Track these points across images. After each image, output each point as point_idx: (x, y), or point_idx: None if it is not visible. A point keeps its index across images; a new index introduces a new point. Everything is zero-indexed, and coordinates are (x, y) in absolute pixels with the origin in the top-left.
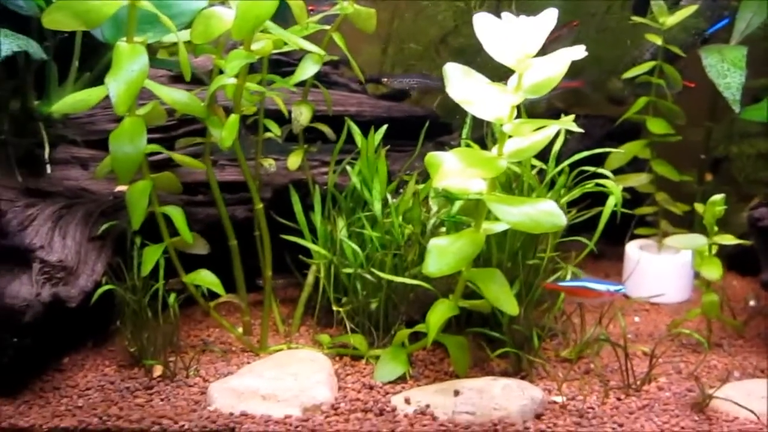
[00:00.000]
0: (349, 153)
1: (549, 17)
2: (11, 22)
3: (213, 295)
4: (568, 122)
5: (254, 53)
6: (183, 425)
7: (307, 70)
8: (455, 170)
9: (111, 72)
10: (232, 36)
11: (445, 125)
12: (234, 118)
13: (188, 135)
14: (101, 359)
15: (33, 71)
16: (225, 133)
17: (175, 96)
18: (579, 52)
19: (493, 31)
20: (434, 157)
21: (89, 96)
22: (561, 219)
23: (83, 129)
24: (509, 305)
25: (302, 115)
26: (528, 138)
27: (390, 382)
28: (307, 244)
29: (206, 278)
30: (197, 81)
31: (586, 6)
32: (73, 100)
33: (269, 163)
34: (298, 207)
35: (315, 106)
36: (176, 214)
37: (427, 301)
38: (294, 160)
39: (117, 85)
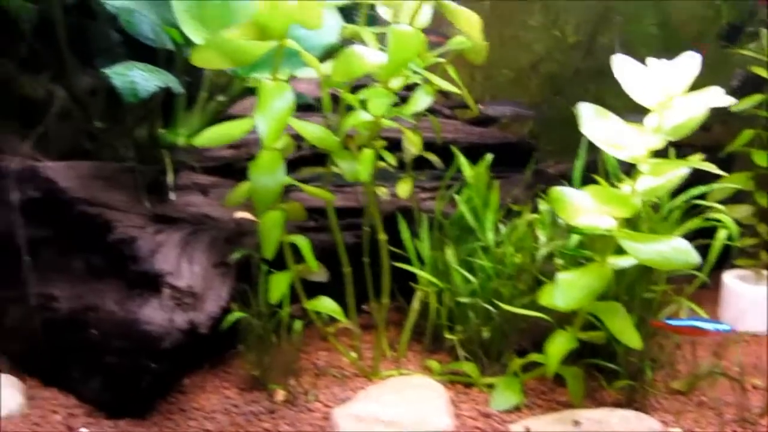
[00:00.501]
0: (446, 179)
1: (692, 61)
2: (139, 53)
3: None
4: (707, 164)
5: (393, 90)
6: None
7: (422, 101)
8: (588, 208)
9: (259, 108)
10: (379, 76)
11: (535, 152)
12: (370, 153)
13: (299, 162)
14: (219, 381)
15: (160, 99)
16: (362, 167)
17: (311, 130)
18: (723, 98)
19: (634, 73)
20: (560, 193)
21: (231, 130)
22: (693, 257)
23: (199, 155)
24: (632, 338)
25: (413, 145)
26: (662, 176)
27: (505, 411)
28: (416, 270)
29: (328, 305)
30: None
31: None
32: (215, 134)
33: (382, 192)
34: (406, 234)
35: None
36: (303, 243)
37: (537, 330)
38: (404, 188)
39: (265, 121)
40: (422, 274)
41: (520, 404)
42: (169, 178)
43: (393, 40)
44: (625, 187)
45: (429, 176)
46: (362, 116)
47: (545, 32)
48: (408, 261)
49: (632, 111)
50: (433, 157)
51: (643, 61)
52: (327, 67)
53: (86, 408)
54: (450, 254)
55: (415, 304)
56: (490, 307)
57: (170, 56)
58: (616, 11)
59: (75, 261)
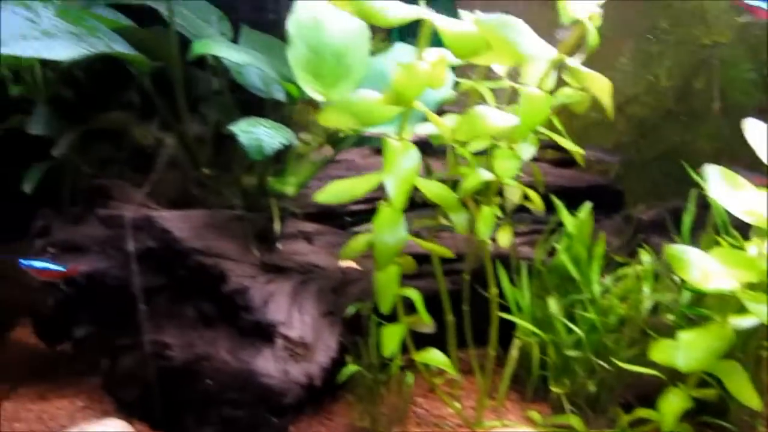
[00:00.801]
0: (548, 227)
1: None
2: (243, 100)
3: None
4: None
5: (518, 153)
6: None
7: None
8: (715, 272)
9: (386, 168)
10: (509, 140)
11: (621, 196)
12: (490, 212)
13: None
14: (325, 429)
15: None
16: (482, 226)
17: (431, 187)
18: None
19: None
20: (681, 253)
21: (356, 187)
22: None
23: (300, 202)
24: (752, 398)
25: (515, 193)
26: None
27: None
28: (517, 320)
29: (437, 358)
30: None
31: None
32: (339, 190)
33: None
34: (505, 282)
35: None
36: (414, 295)
37: (642, 383)
38: (504, 237)
39: (393, 181)
40: (524, 323)
41: None
42: (277, 226)
43: (524, 104)
44: (751, 248)
45: (522, 219)
46: (484, 175)
47: (635, 75)
48: (505, 308)
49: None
50: (534, 205)
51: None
52: (449, 123)
53: None
54: (553, 304)
55: (514, 353)
56: (599, 360)
57: (276, 105)
58: (712, 56)
59: (187, 309)
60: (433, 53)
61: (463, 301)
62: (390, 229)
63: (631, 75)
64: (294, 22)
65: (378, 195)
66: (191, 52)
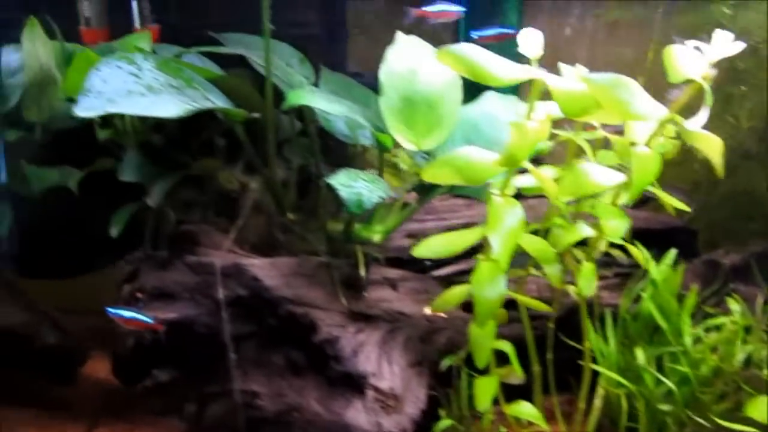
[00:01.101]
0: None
1: None
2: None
3: None
4: None
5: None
6: None
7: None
8: None
9: (490, 225)
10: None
11: (695, 237)
12: (591, 267)
13: (471, 252)
14: None
15: None
16: (584, 282)
17: (532, 242)
18: None
19: None
20: None
21: (456, 241)
22: None
23: (380, 247)
24: None
25: (600, 241)
26: None
27: None
28: (603, 370)
29: (528, 411)
30: None
31: None
32: (437, 245)
33: (573, 291)
34: (589, 329)
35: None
36: (509, 348)
37: None
38: (588, 284)
39: (499, 239)
40: (611, 374)
41: None
42: (362, 273)
43: (636, 163)
44: None
45: (604, 263)
46: (584, 232)
47: (715, 116)
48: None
49: None
50: (619, 253)
51: None
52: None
53: None
54: (640, 355)
55: (597, 402)
56: (692, 415)
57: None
58: None
59: (275, 357)
60: (540, 110)
61: (546, 350)
62: (491, 284)
63: (712, 116)
64: (386, 71)
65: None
66: (286, 103)
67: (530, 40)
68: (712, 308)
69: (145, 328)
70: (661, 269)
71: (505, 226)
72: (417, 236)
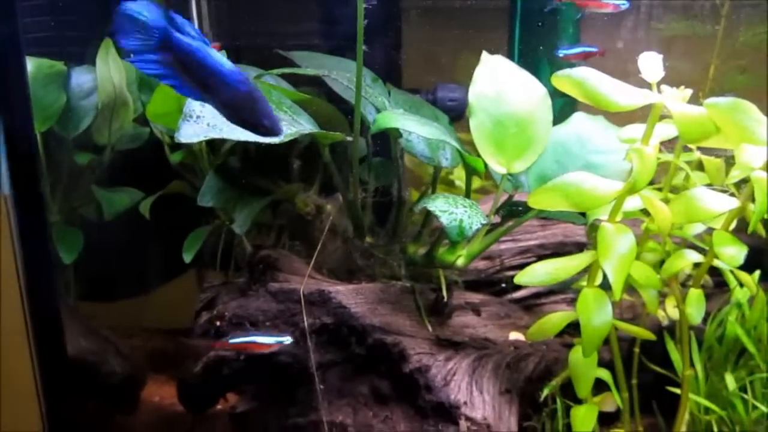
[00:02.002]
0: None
1: None
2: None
3: None
4: None
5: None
6: None
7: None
8: None
9: (602, 252)
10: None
11: None
12: (699, 294)
13: None
14: None
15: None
16: (692, 310)
17: (641, 271)
18: None
19: None
20: None
21: (562, 268)
22: None
23: (459, 270)
24: None
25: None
26: None
27: None
28: (695, 397)
29: None
30: None
31: None
32: (543, 272)
33: (662, 316)
34: (674, 354)
35: None
36: (607, 376)
37: None
38: (697, 311)
39: (612, 266)
40: (700, 400)
41: None
42: (446, 298)
43: (758, 189)
44: None
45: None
46: (691, 257)
47: None
48: (672, 381)
49: None
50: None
51: None
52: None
53: None
54: (730, 380)
55: (683, 428)
56: None
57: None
58: None
59: (360, 386)
60: (655, 137)
61: (632, 375)
62: (598, 312)
63: None
64: (475, 93)
65: (531, 260)
66: (375, 125)
67: (650, 64)
68: None
69: (268, 349)
70: (745, 290)
71: (618, 253)
72: (492, 258)
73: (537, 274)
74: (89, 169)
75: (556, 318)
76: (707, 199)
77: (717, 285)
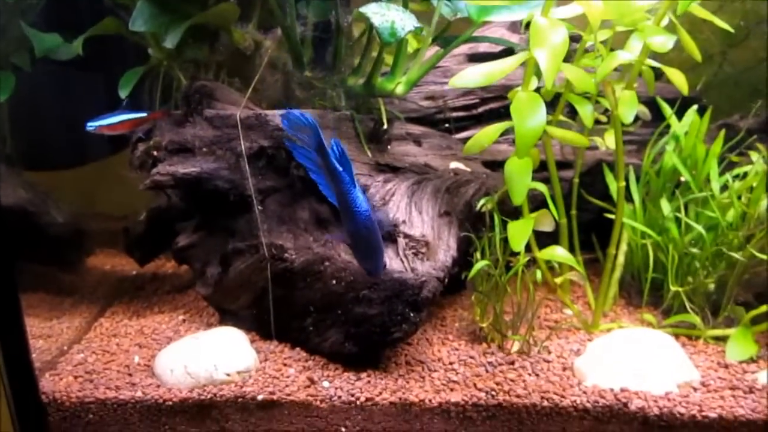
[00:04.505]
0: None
1: None
2: None
3: None
4: None
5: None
6: (574, 400)
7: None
8: None
9: (534, 42)
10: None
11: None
12: (632, 95)
13: (490, 113)
14: (441, 334)
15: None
16: (623, 109)
17: (573, 71)
18: None
19: None
20: None
21: (493, 70)
22: None
23: (400, 105)
24: None
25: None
26: None
27: (743, 362)
28: (634, 223)
29: (562, 255)
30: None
31: None
32: (475, 74)
33: (600, 142)
34: (613, 185)
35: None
36: (543, 188)
37: (758, 281)
38: (628, 111)
39: (545, 56)
40: (638, 225)
41: (755, 355)
42: (386, 127)
43: None
44: None
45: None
46: (623, 57)
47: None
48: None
49: None
50: (641, 108)
51: None
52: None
53: (317, 360)
54: (665, 205)
55: (621, 258)
56: (722, 256)
57: None
58: None
59: (300, 210)
60: None
61: (571, 206)
62: (532, 115)
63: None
64: None
65: (475, 101)
66: None
67: None
68: (736, 157)
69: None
70: (685, 123)
71: (550, 44)
72: (436, 98)
73: (471, 76)
74: (20, 12)
75: (491, 129)
76: None
77: None
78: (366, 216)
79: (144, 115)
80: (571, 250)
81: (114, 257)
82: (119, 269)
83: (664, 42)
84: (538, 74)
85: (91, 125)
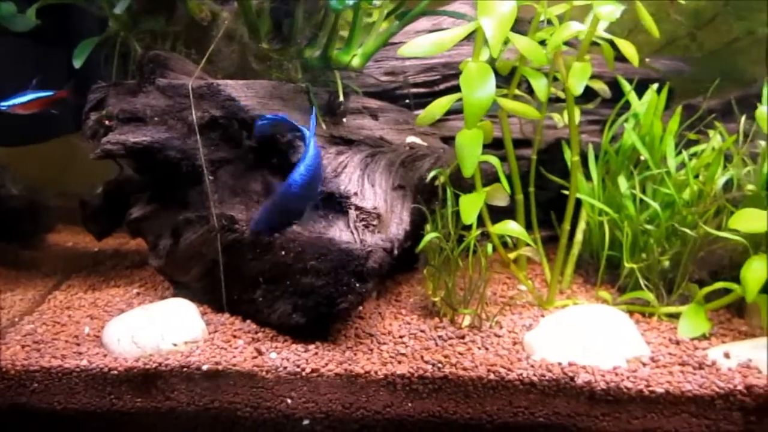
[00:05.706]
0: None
1: None
2: None
3: None
4: None
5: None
6: (521, 373)
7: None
8: None
9: (481, 11)
10: None
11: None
12: (585, 66)
13: (451, 90)
14: (394, 308)
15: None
16: (573, 80)
17: (521, 42)
18: None
19: None
20: None
21: (442, 40)
22: None
23: (359, 80)
24: None
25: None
26: None
27: (695, 338)
28: (588, 198)
29: (515, 229)
30: None
31: None
32: (425, 43)
33: (558, 119)
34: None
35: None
36: (495, 161)
37: (712, 259)
38: (578, 82)
39: (491, 24)
40: (595, 202)
41: (707, 332)
42: (341, 100)
43: None
44: None
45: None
46: (574, 27)
47: None
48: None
49: None
50: (600, 85)
51: None
52: None
53: (267, 332)
54: (623, 182)
55: (579, 236)
56: (677, 233)
57: None
58: None
59: (252, 182)
60: None
61: (529, 184)
62: (481, 85)
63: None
64: None
65: (436, 78)
66: None
67: None
68: (695, 135)
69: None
70: (644, 102)
71: (498, 12)
72: (396, 74)
73: (421, 45)
74: None
75: (443, 100)
76: None
77: None
78: (290, 184)
79: (51, 93)
80: (529, 227)
81: (78, 234)
82: (81, 245)
83: (611, 11)
84: None
85: (4, 105)
